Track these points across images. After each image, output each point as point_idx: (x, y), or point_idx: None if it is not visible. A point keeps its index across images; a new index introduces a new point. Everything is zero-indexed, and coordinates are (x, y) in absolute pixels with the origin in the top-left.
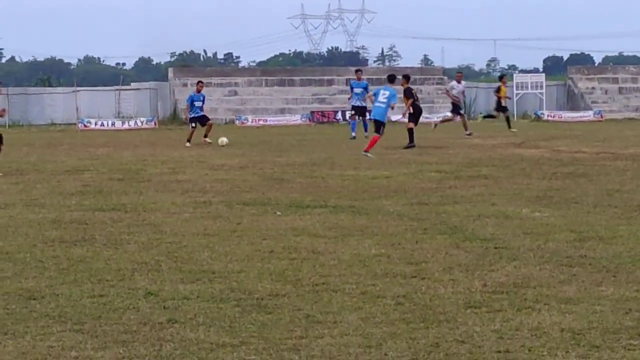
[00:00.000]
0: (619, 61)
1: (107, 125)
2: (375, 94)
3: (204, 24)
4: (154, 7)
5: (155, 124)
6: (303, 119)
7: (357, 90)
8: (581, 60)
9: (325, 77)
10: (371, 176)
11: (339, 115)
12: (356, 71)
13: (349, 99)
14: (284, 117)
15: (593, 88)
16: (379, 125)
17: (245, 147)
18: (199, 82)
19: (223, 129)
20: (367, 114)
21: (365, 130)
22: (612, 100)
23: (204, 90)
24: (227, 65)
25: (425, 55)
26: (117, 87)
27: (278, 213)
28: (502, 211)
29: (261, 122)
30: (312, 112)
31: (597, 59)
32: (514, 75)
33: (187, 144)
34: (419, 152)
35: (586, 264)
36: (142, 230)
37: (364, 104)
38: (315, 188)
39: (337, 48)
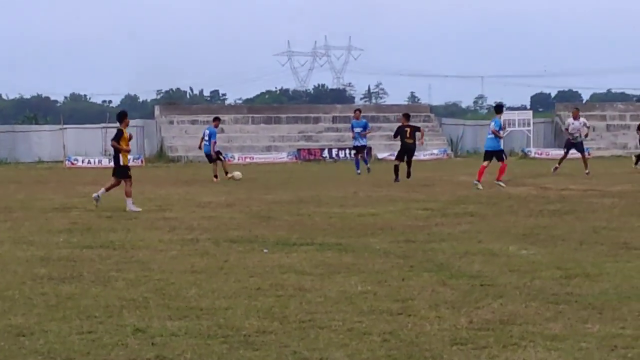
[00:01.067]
0: (607, 98)
1: (94, 162)
2: (497, 126)
3: (191, 61)
4: (141, 44)
5: (142, 161)
6: (289, 157)
7: (357, 129)
8: (569, 97)
9: (312, 115)
10: (358, 214)
11: (326, 153)
12: (355, 111)
13: (353, 137)
14: (270, 154)
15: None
16: (498, 154)
17: (232, 184)
18: (218, 118)
19: (209, 167)
20: (366, 151)
21: (366, 163)
22: (599, 137)
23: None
24: (213, 103)
25: (412, 93)
26: (103, 124)
27: (265, 250)
28: (489, 249)
29: (248, 160)
30: (299, 150)
31: (585, 96)
32: None
33: (227, 175)
34: (406, 189)
35: (572, 301)
36: (130, 267)
37: (363, 143)
38: (302, 226)
39: (323, 85)
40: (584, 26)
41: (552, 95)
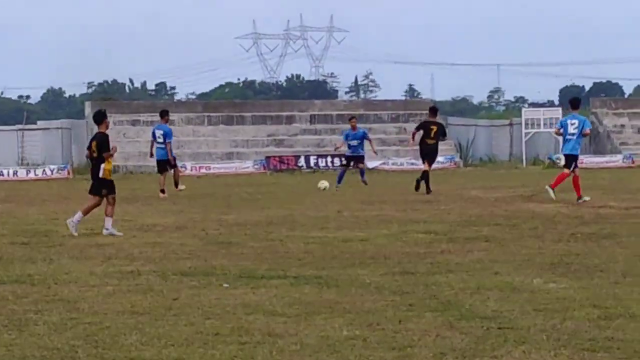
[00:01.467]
0: None
1: (8, 174)
2: (563, 126)
3: (130, 46)
4: (67, 26)
5: (68, 172)
6: (256, 166)
7: (354, 142)
8: (607, 91)
9: (284, 113)
10: (342, 238)
11: (302, 161)
12: (350, 119)
13: (336, 148)
14: (232, 163)
15: (622, 126)
16: (571, 160)
17: (183, 201)
18: (166, 112)
19: (154, 178)
20: (363, 162)
21: (362, 176)
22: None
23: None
24: (159, 99)
25: (410, 85)
26: (19, 126)
27: (225, 285)
28: (508, 282)
29: (203, 170)
30: (268, 158)
31: (628, 88)
32: (523, 109)
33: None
34: (403, 207)
35: (614, 348)
36: (52, 308)
37: (362, 153)
38: (272, 254)
39: (298, 76)
40: (626, 4)
41: (587, 88)
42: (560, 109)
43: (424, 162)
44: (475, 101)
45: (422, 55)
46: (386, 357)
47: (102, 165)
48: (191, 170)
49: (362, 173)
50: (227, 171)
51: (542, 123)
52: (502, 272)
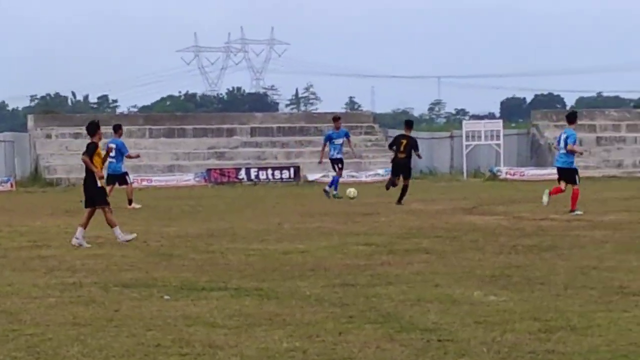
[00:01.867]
0: (597, 104)
1: None
2: (558, 141)
3: (73, 59)
4: (9, 39)
5: (11, 185)
6: (197, 179)
7: (338, 141)
8: (549, 103)
9: (225, 126)
10: (282, 251)
11: (242, 174)
12: (335, 120)
13: (322, 151)
14: (173, 176)
15: None
16: (572, 174)
17: (124, 214)
18: (120, 126)
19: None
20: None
21: (332, 185)
22: (587, 153)
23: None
24: (101, 111)
25: (350, 98)
26: None
27: (166, 297)
28: (448, 294)
29: (144, 183)
30: (209, 170)
31: (569, 101)
32: (463, 122)
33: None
34: (344, 219)
35: None
36: None
37: (341, 156)
38: (213, 266)
39: (239, 89)
40: (567, 16)
41: (528, 100)
42: (501, 121)
43: (393, 177)
44: (416, 113)
45: (363, 67)
46: None
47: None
48: (133, 182)
49: (333, 182)
50: (169, 184)
51: (482, 135)
52: (442, 284)
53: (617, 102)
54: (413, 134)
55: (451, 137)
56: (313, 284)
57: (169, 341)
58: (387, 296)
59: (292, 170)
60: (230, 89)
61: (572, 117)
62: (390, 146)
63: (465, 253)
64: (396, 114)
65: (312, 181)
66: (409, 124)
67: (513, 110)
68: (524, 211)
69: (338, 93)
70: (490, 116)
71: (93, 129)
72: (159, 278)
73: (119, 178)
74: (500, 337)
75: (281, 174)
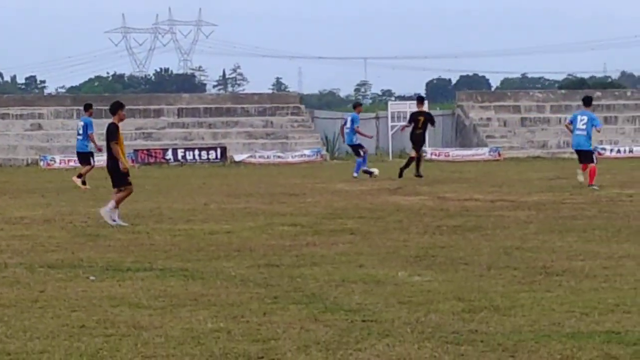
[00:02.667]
0: (522, 85)
1: None
2: (573, 121)
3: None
4: None
5: None
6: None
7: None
8: (474, 84)
9: (152, 107)
10: (208, 231)
11: (169, 154)
12: (356, 106)
13: (363, 134)
14: (101, 156)
15: (489, 119)
16: (588, 155)
17: (51, 194)
18: (90, 105)
19: (23, 171)
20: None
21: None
22: (512, 134)
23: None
24: (29, 92)
25: (277, 79)
26: None
27: (92, 278)
28: (372, 275)
29: (72, 164)
30: (136, 151)
31: (494, 82)
32: (389, 103)
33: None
34: (270, 200)
35: (477, 341)
36: None
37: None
38: (139, 246)
39: (167, 70)
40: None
41: (453, 81)
42: (426, 102)
43: (413, 149)
44: (342, 94)
45: (290, 48)
46: (250, 349)
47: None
48: (60, 163)
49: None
50: (96, 164)
51: (408, 116)
52: (367, 264)
53: (541, 83)
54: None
55: (377, 118)
56: (238, 265)
57: (93, 322)
58: (311, 277)
59: (218, 150)
60: (158, 70)
61: (588, 100)
62: (409, 121)
63: (390, 233)
64: (323, 95)
65: (239, 162)
66: (421, 99)
67: (438, 92)
68: (449, 191)
69: (265, 74)
70: (416, 97)
71: (114, 108)
72: (85, 259)
73: (84, 156)
74: (424, 317)
75: (208, 154)
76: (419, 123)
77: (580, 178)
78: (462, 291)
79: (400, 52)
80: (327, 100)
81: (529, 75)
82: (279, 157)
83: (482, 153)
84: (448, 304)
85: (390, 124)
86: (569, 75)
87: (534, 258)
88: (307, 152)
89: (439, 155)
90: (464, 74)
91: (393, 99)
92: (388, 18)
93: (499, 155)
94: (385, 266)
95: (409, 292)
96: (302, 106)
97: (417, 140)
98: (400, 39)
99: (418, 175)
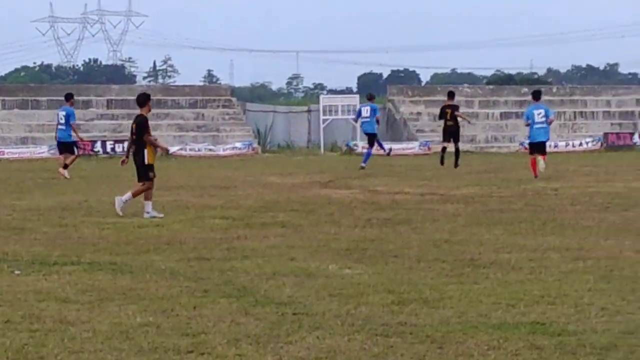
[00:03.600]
0: (451, 80)
1: None
2: (528, 117)
3: None
4: None
5: None
6: (51, 151)
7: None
8: (404, 79)
9: (81, 98)
10: (137, 224)
11: (98, 146)
12: (373, 97)
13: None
14: (26, 148)
15: (419, 113)
16: (545, 146)
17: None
18: (71, 95)
19: None
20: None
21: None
22: (441, 128)
23: None
24: None
25: (209, 71)
26: None
27: (16, 272)
28: (304, 267)
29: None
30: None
31: (425, 77)
32: (321, 97)
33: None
34: (200, 193)
35: (406, 333)
36: None
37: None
38: (66, 240)
39: (96, 60)
40: None
41: (384, 75)
42: (357, 96)
43: (447, 141)
44: (274, 87)
45: (222, 41)
46: (180, 343)
47: (145, 150)
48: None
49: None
50: (22, 156)
51: (339, 110)
52: (298, 257)
53: (470, 79)
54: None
55: (308, 111)
56: (168, 258)
57: (18, 317)
58: (242, 270)
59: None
60: (87, 60)
61: (537, 94)
62: (440, 117)
63: (321, 226)
64: (254, 87)
65: (170, 154)
66: (451, 94)
67: (370, 86)
68: (380, 185)
69: (196, 66)
70: (348, 91)
71: (143, 100)
72: (10, 252)
73: (67, 146)
74: (354, 310)
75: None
76: (447, 115)
77: (542, 166)
78: (391, 284)
79: (333, 45)
80: (259, 93)
81: (459, 71)
82: (210, 149)
83: (412, 147)
84: (378, 296)
85: (322, 117)
86: (497, 71)
87: (462, 251)
88: (238, 144)
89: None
90: (395, 68)
91: (325, 92)
92: (320, 11)
93: (429, 149)
94: (316, 259)
95: (339, 285)
96: (234, 99)
97: (451, 132)
98: (332, 32)
99: (456, 165)
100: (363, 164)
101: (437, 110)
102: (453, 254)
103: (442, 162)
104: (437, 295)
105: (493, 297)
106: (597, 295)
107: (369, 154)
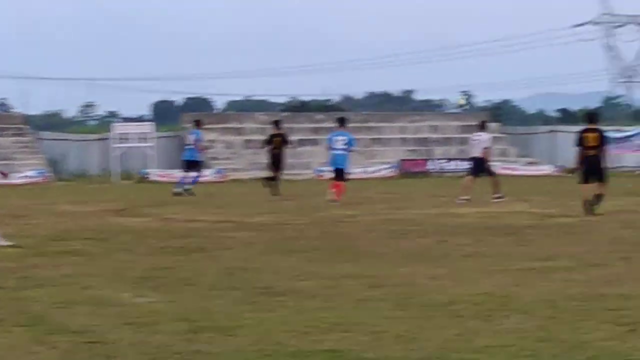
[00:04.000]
0: (246, 107)
1: None
2: (330, 142)
3: None
4: None
5: None
6: None
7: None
8: (199, 106)
9: None
10: None
11: None
12: (199, 123)
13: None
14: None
15: (213, 141)
16: (343, 173)
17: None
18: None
19: None
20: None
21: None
22: (236, 156)
23: None
24: None
25: (1, 99)
26: None
27: None
28: (98, 296)
29: None
30: None
31: (220, 104)
32: (113, 124)
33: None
34: None
35: None
36: None
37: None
38: None
39: None
40: (218, 22)
41: (179, 103)
42: (151, 123)
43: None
44: (67, 115)
45: (15, 68)
46: None
47: None
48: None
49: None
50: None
51: (134, 137)
52: (92, 286)
53: (265, 106)
54: None
55: (101, 139)
56: None
57: None
58: (36, 299)
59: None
60: None
61: (342, 121)
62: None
63: (115, 255)
64: (48, 115)
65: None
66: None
67: (164, 113)
68: (174, 213)
69: None
70: (141, 119)
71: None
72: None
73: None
74: (149, 338)
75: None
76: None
77: (331, 196)
78: (186, 312)
79: (126, 73)
80: (53, 121)
81: (253, 98)
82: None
83: (207, 175)
84: (172, 324)
85: (114, 145)
86: (292, 98)
87: (258, 279)
88: (30, 173)
89: (164, 177)
90: (190, 96)
91: (119, 120)
92: (111, 39)
93: (224, 177)
94: (110, 287)
95: (134, 313)
96: (27, 127)
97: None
98: (125, 60)
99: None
100: (188, 187)
101: (231, 138)
102: (248, 281)
103: (273, 193)
104: (232, 324)
105: (288, 325)
106: (393, 322)
107: (195, 179)
